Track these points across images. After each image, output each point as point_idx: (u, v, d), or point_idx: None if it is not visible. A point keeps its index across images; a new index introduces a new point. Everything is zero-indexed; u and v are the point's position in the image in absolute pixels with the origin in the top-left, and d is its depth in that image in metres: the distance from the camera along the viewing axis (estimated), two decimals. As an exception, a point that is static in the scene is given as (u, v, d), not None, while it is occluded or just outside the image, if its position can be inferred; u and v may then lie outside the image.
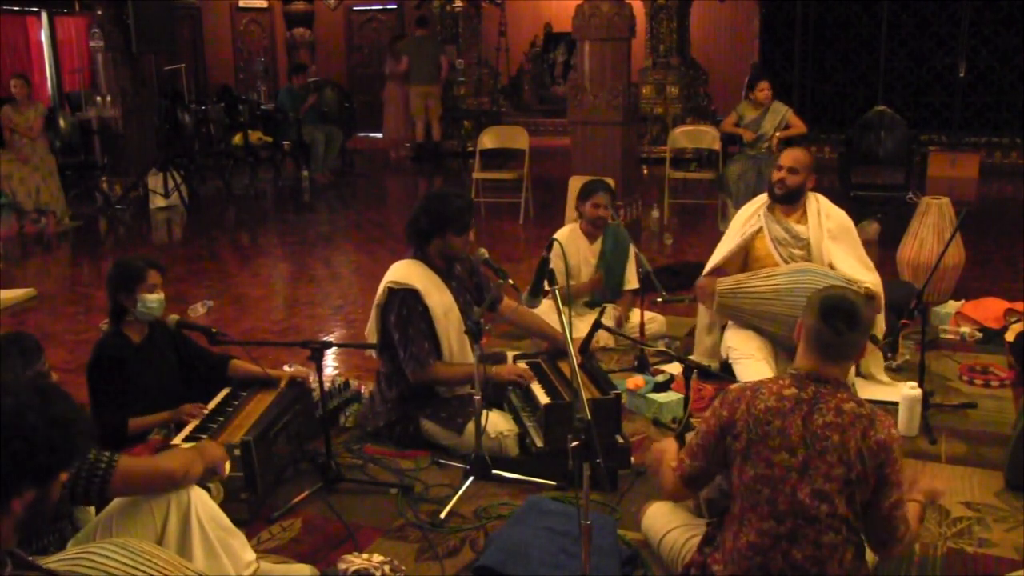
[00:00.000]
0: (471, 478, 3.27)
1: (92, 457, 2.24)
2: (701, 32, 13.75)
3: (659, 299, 4.68)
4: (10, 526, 1.60)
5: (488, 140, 8.86)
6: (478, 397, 3.24)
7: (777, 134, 7.24)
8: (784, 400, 2.28)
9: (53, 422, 1.62)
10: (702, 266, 4.49)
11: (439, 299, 3.61)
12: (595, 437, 2.20)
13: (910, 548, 2.71)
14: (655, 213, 8.07)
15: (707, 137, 8.51)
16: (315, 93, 11.44)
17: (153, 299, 3.34)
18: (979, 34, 11.21)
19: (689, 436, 2.58)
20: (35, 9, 12.41)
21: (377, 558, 2.76)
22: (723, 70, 13.44)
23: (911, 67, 11.62)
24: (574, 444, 2.19)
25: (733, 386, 2.43)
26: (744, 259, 4.36)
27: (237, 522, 2.67)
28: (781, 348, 4.08)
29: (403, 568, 2.79)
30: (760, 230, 4.31)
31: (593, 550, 2.33)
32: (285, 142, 11.18)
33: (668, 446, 2.69)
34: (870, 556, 2.41)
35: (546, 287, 3.00)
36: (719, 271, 4.33)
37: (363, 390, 4.11)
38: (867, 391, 3.98)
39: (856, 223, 4.45)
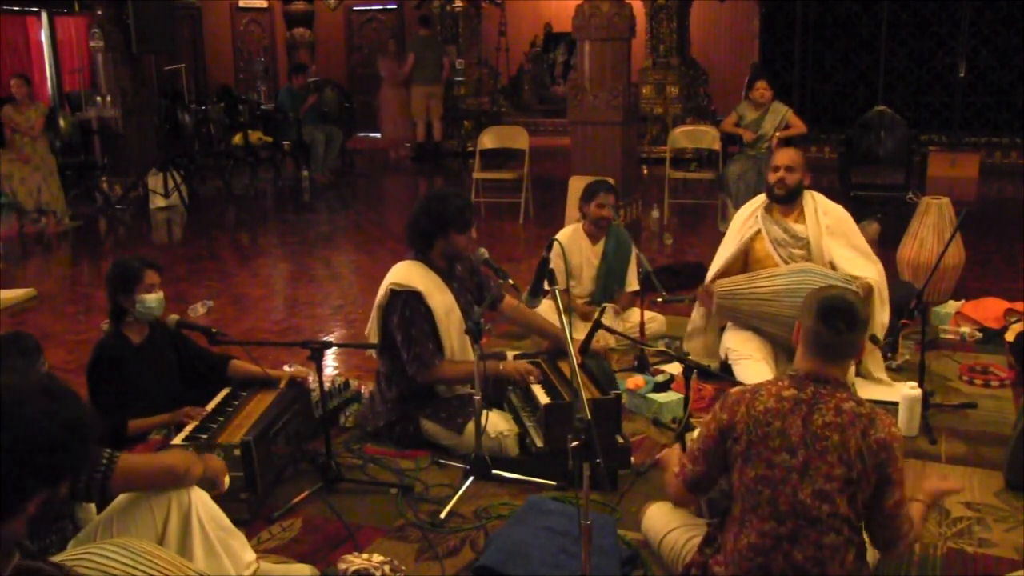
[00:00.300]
0: (471, 478, 3.27)
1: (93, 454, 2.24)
2: (701, 32, 13.75)
3: (659, 299, 4.68)
4: (22, 523, 1.62)
5: (488, 140, 8.86)
6: (478, 397, 3.24)
7: (777, 134, 7.24)
8: (783, 401, 2.28)
9: (65, 425, 1.62)
10: (702, 266, 4.50)
11: (441, 300, 3.61)
12: (595, 437, 2.20)
13: (911, 547, 2.71)
14: (655, 213, 8.07)
15: (707, 137, 8.51)
16: (315, 93, 11.44)
17: (152, 299, 3.34)
18: (979, 34, 11.21)
19: (690, 439, 2.58)
20: (35, 9, 12.40)
21: (377, 558, 2.76)
22: (723, 70, 13.45)
23: (911, 67, 11.62)
24: (574, 444, 2.19)
25: (733, 390, 2.43)
26: (744, 261, 4.36)
27: (237, 522, 2.67)
28: (780, 349, 4.08)
29: (403, 568, 2.79)
30: (759, 232, 4.31)
31: (593, 550, 2.33)
32: (285, 142, 11.18)
33: (673, 454, 2.70)
34: (871, 557, 2.41)
35: (546, 287, 3.00)
36: (721, 276, 4.32)
37: (363, 390, 4.11)
38: (867, 391, 3.97)
39: (856, 223, 4.45)
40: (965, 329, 4.93)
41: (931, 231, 5.38)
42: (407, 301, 3.56)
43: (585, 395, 2.53)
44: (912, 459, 3.43)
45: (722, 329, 4.39)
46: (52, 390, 1.70)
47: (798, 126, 7.38)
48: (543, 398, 3.49)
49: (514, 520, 2.89)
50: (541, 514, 2.86)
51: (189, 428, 3.22)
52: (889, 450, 2.22)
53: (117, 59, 9.94)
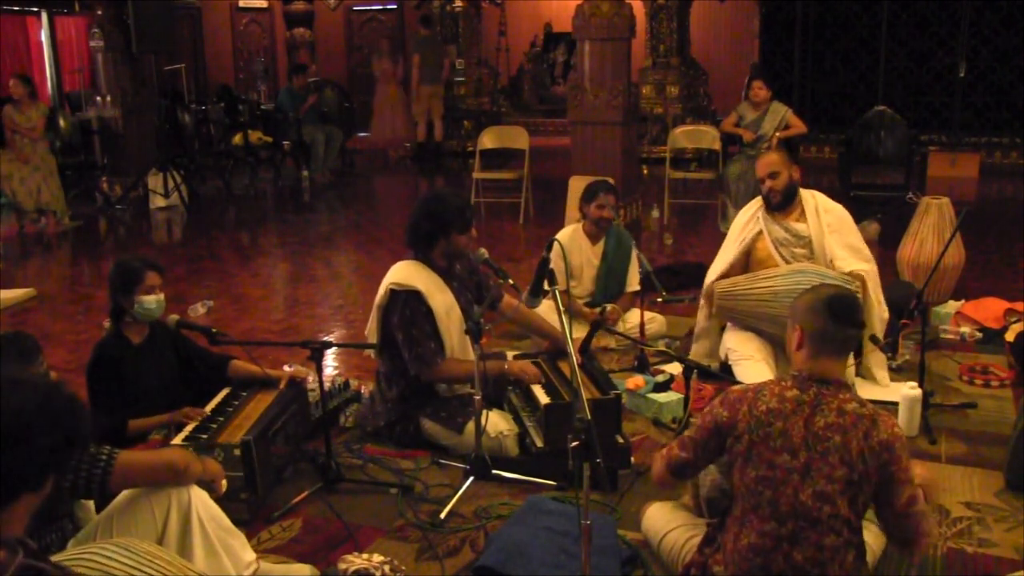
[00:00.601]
0: (471, 478, 3.27)
1: (92, 450, 2.24)
2: (701, 32, 13.76)
3: (659, 299, 4.68)
4: (21, 516, 1.63)
5: (488, 140, 8.86)
6: (478, 397, 3.24)
7: (777, 134, 7.24)
8: (786, 402, 2.28)
9: (51, 426, 1.63)
10: (702, 266, 4.49)
11: (441, 299, 3.61)
12: (595, 437, 2.20)
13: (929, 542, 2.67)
14: (655, 213, 8.06)
15: (707, 137, 8.51)
16: (315, 93, 11.44)
17: (151, 300, 3.34)
18: (979, 34, 11.21)
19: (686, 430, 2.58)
20: (35, 9, 12.40)
21: (377, 558, 2.76)
22: (723, 70, 13.45)
23: (911, 67, 11.62)
24: (574, 444, 2.19)
25: (734, 387, 2.43)
26: (746, 262, 4.36)
27: (237, 522, 2.67)
28: (780, 349, 4.08)
29: (403, 568, 2.79)
30: (760, 232, 4.31)
31: (593, 550, 2.32)
32: (285, 142, 11.19)
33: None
34: (870, 558, 2.41)
35: (546, 287, 3.00)
36: (724, 277, 4.32)
37: (363, 390, 4.11)
38: (867, 391, 3.97)
39: (856, 223, 4.45)
40: (965, 329, 4.93)
41: (931, 231, 5.38)
42: (407, 301, 3.56)
43: (585, 395, 2.53)
44: (912, 460, 3.43)
45: (722, 329, 4.39)
46: (44, 391, 1.70)
47: (798, 126, 7.38)
48: (543, 398, 3.49)
49: (514, 520, 2.89)
50: (541, 514, 2.86)
51: (189, 428, 3.22)
52: (892, 450, 2.22)
53: (117, 59, 9.95)
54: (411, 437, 3.66)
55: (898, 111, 8.44)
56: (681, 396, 3.84)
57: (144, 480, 2.40)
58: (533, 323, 4.06)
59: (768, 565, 2.24)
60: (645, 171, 10.94)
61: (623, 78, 7.56)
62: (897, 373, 4.38)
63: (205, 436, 3.15)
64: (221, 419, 3.30)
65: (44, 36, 12.54)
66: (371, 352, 3.83)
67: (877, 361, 4.19)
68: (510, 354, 4.07)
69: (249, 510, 3.08)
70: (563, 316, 2.70)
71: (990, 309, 5.07)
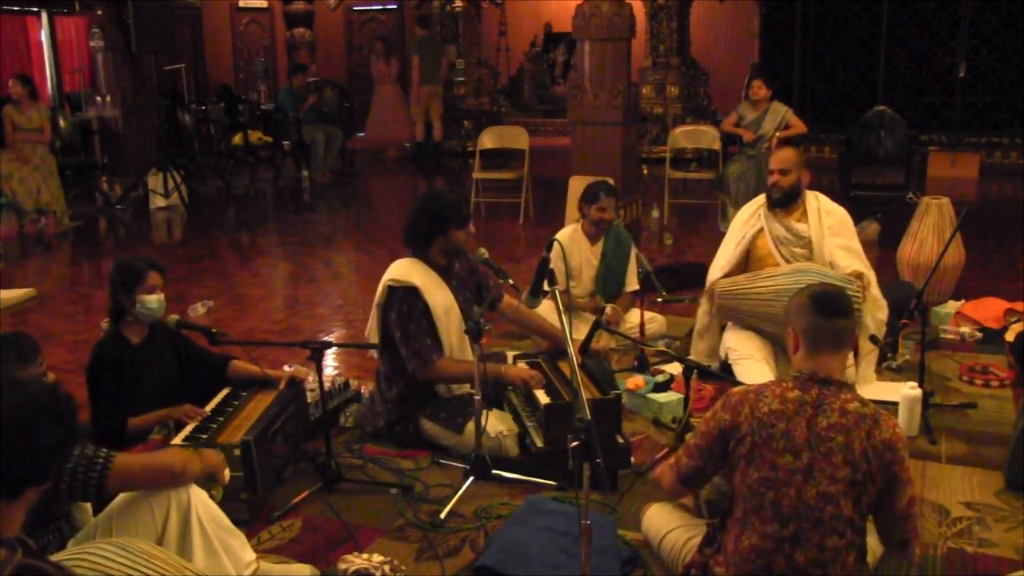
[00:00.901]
0: (471, 478, 3.27)
1: (89, 453, 2.24)
2: (701, 32, 13.76)
3: (659, 299, 4.67)
4: (20, 514, 1.65)
5: (488, 140, 8.87)
6: (478, 397, 3.24)
7: (777, 134, 7.24)
8: (788, 403, 2.28)
9: (32, 431, 1.66)
10: (702, 266, 4.49)
11: (440, 297, 3.61)
12: (595, 437, 2.20)
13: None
14: (655, 213, 8.06)
15: (707, 137, 8.51)
16: (315, 93, 11.44)
17: (152, 300, 3.34)
18: (979, 34, 11.21)
19: (689, 436, 2.58)
20: (35, 9, 12.40)
21: (377, 558, 2.76)
22: (723, 70, 13.45)
23: (911, 67, 11.62)
24: (574, 444, 2.19)
25: (735, 389, 2.42)
26: (746, 260, 4.36)
27: (237, 522, 2.67)
28: (781, 349, 4.08)
29: (403, 568, 2.79)
30: (761, 230, 4.31)
31: (593, 550, 2.32)
32: (285, 142, 11.19)
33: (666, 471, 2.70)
34: (871, 558, 2.41)
35: (546, 287, 3.00)
36: (724, 275, 4.32)
37: (363, 390, 4.11)
38: (867, 391, 3.97)
39: (856, 223, 4.45)
40: (965, 329, 4.93)
41: (931, 231, 5.38)
42: (404, 297, 3.56)
43: (585, 395, 2.53)
44: (912, 459, 3.43)
45: (722, 329, 4.39)
46: (44, 390, 1.74)
47: (798, 126, 7.38)
48: (543, 398, 3.49)
49: (514, 520, 2.89)
50: (541, 514, 2.86)
51: (189, 428, 3.22)
52: (894, 451, 2.22)
53: (117, 59, 9.95)
54: (411, 437, 3.66)
55: (898, 111, 8.44)
56: (681, 396, 3.84)
57: (141, 483, 2.40)
58: (533, 323, 4.06)
59: (769, 566, 2.24)
60: (645, 171, 10.94)
61: (623, 78, 7.55)
62: (897, 373, 4.38)
63: (205, 436, 3.15)
64: (221, 419, 3.30)
65: (44, 36, 12.53)
66: (373, 352, 3.83)
67: (867, 364, 4.18)
68: (510, 354, 4.07)
69: (249, 510, 3.07)
70: (563, 316, 2.70)
71: (990, 309, 5.07)
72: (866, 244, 4.44)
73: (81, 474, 2.21)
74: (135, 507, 2.39)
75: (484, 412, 3.30)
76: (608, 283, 4.93)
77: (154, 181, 9.41)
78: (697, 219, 8.49)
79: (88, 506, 2.58)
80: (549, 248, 3.06)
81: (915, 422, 3.70)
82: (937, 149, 10.67)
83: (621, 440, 3.44)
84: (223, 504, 2.61)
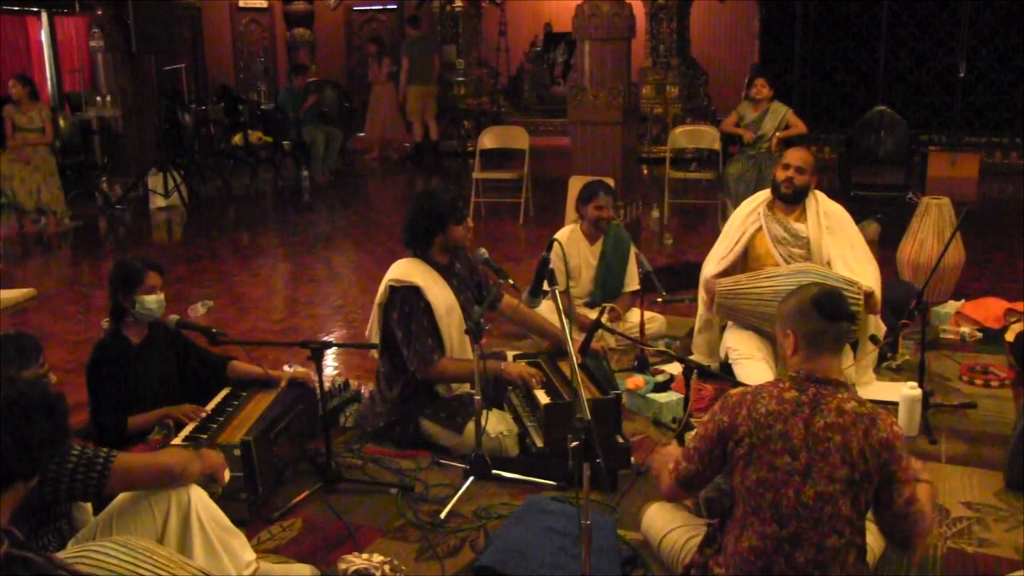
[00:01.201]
0: (471, 478, 3.27)
1: (90, 452, 2.24)
2: (701, 32, 13.76)
3: (659, 299, 4.68)
4: (7, 507, 1.69)
5: (488, 140, 8.87)
6: (478, 397, 3.24)
7: (777, 134, 7.24)
8: (785, 403, 2.28)
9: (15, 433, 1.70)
10: (702, 266, 4.48)
11: (441, 296, 3.61)
12: (595, 437, 2.20)
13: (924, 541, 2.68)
14: (655, 213, 8.07)
15: (707, 137, 8.51)
16: (315, 93, 11.44)
17: (151, 301, 3.34)
18: (979, 34, 11.21)
19: (689, 437, 2.58)
20: (35, 9, 12.39)
21: (377, 558, 2.76)
22: (723, 70, 13.45)
23: (911, 67, 11.62)
24: (574, 444, 2.19)
25: (733, 391, 2.42)
26: (743, 258, 4.36)
27: (237, 522, 2.67)
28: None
29: (403, 568, 2.79)
30: (760, 228, 4.32)
31: (593, 550, 2.33)
32: (285, 142, 11.18)
33: (672, 451, 2.70)
34: (871, 558, 2.41)
35: (546, 287, 3.00)
36: (722, 272, 4.32)
37: (363, 390, 4.11)
38: (867, 391, 3.98)
39: (856, 223, 4.45)
40: (965, 329, 4.93)
41: (931, 231, 5.38)
42: (406, 297, 3.56)
43: (585, 395, 2.53)
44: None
45: (723, 328, 4.39)
46: (36, 387, 1.79)
47: (798, 126, 7.38)
48: (543, 398, 3.49)
49: (514, 520, 2.89)
50: (541, 514, 2.86)
51: (189, 428, 3.23)
52: (892, 449, 2.22)
53: (117, 59, 9.95)
54: (411, 437, 3.66)
55: (898, 111, 8.44)
56: (681, 396, 3.84)
57: (142, 483, 2.40)
58: (533, 323, 4.06)
59: (769, 567, 2.24)
60: (645, 171, 10.95)
61: (623, 78, 7.55)
62: (897, 373, 4.38)
63: (205, 436, 3.16)
64: (221, 419, 3.30)
65: (44, 36, 12.52)
66: (373, 352, 3.84)
67: (867, 360, 4.18)
68: (510, 354, 4.07)
69: (249, 510, 3.08)
70: (563, 316, 2.70)
71: (990, 309, 5.07)
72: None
73: (81, 473, 2.21)
74: (135, 507, 2.39)
75: (484, 412, 3.30)
76: (607, 283, 4.93)
77: (154, 181, 9.41)
78: (697, 219, 8.49)
79: (88, 506, 2.58)
80: (549, 248, 3.07)
81: (915, 422, 3.70)
82: (937, 149, 10.67)
83: (621, 440, 3.45)
84: (223, 504, 2.61)
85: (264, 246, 8.14)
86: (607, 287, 4.93)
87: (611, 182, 5.33)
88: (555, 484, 3.28)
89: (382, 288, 3.66)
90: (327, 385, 3.67)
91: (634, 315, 4.78)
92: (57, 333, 5.39)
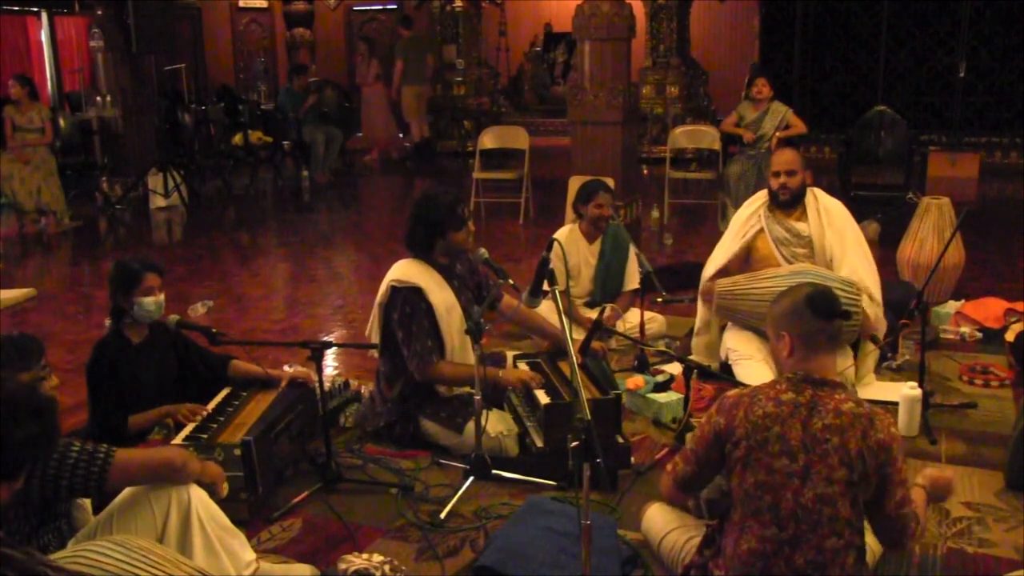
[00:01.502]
0: (471, 478, 3.27)
1: (90, 448, 2.25)
2: (701, 32, 13.77)
3: (659, 299, 4.67)
4: None
5: (488, 140, 8.87)
6: (478, 397, 3.24)
7: (777, 134, 7.24)
8: (782, 405, 2.27)
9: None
10: (702, 266, 4.49)
11: (442, 297, 3.61)
12: (595, 437, 2.20)
13: (913, 545, 2.70)
14: (655, 213, 8.07)
15: (707, 137, 8.51)
16: (315, 93, 11.45)
17: (150, 301, 3.34)
18: (979, 34, 11.21)
19: (689, 437, 2.58)
20: (35, 9, 12.40)
21: (377, 558, 2.76)
22: (723, 70, 13.46)
23: (911, 67, 11.62)
24: (574, 444, 2.19)
25: (730, 392, 2.41)
26: (746, 259, 4.36)
27: (237, 522, 2.67)
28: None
29: (403, 568, 2.79)
30: (761, 230, 4.31)
31: (593, 550, 2.32)
32: (285, 142, 11.18)
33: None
34: (870, 558, 2.41)
35: (546, 287, 3.00)
36: (722, 273, 4.32)
37: (363, 390, 4.11)
38: (867, 391, 3.98)
39: (856, 223, 4.45)
40: (965, 329, 4.93)
41: (931, 231, 5.38)
42: (407, 297, 3.56)
43: (585, 395, 2.53)
44: (912, 459, 3.43)
45: (722, 329, 4.39)
46: (23, 387, 1.81)
47: (798, 126, 7.38)
48: (543, 398, 3.49)
49: (514, 520, 2.89)
50: (541, 514, 2.86)
51: (189, 428, 3.22)
52: (888, 451, 2.22)
53: (117, 59, 9.94)
54: (411, 437, 3.66)
55: (898, 111, 8.44)
56: (681, 396, 3.84)
57: (142, 477, 2.40)
58: (533, 323, 4.06)
59: (769, 569, 2.23)
60: (645, 171, 10.95)
61: (623, 78, 7.56)
62: (897, 373, 4.38)
63: (205, 436, 3.16)
64: (221, 419, 3.30)
65: (44, 36, 12.53)
66: (373, 352, 3.84)
67: (867, 360, 4.18)
68: (510, 354, 4.07)
69: (249, 510, 3.08)
70: (563, 316, 2.70)
71: (990, 309, 5.07)
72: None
73: (82, 469, 2.22)
74: (136, 506, 2.40)
75: (484, 412, 3.30)
76: (607, 283, 4.93)
77: (154, 181, 9.41)
78: (697, 219, 8.49)
79: (88, 506, 2.58)
80: (549, 248, 3.07)
81: (915, 422, 3.70)
82: (937, 149, 10.67)
83: (621, 440, 3.45)
84: (223, 504, 2.61)
85: (264, 246, 8.14)
86: (607, 286, 4.93)
87: (611, 182, 5.33)
88: (555, 484, 3.28)
89: (383, 288, 3.66)
90: (327, 385, 3.67)
91: (634, 315, 4.78)
92: (57, 333, 5.39)
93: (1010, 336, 4.45)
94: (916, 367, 3.97)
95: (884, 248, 6.12)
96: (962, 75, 11.29)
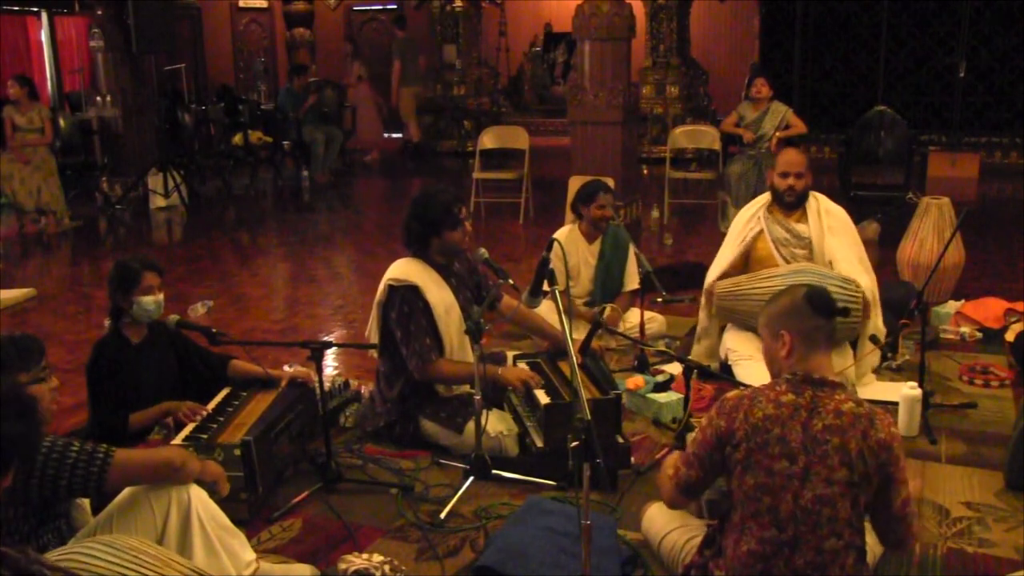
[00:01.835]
0: (471, 478, 3.27)
1: (89, 448, 2.25)
2: (701, 32, 13.77)
3: (659, 299, 4.67)
4: None
5: (488, 140, 8.87)
6: (478, 397, 3.23)
7: (777, 134, 7.25)
8: (782, 407, 2.26)
9: None
10: (702, 266, 4.49)
11: (440, 296, 3.61)
12: (595, 437, 2.19)
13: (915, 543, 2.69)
14: (655, 213, 8.07)
15: (707, 137, 8.51)
16: (315, 93, 11.46)
17: (149, 301, 3.34)
18: (979, 34, 11.21)
19: (690, 439, 2.57)
20: (35, 9, 12.40)
21: (377, 558, 2.76)
22: (723, 70, 13.46)
23: (911, 67, 11.62)
24: (574, 444, 2.19)
25: (729, 394, 2.41)
26: (746, 261, 4.36)
27: (237, 522, 2.67)
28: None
29: (403, 568, 2.79)
30: (761, 232, 4.32)
31: (593, 550, 2.32)
32: (285, 142, 11.18)
33: (673, 459, 2.70)
34: (871, 559, 2.41)
35: (546, 287, 2.99)
36: (725, 277, 4.32)
37: (363, 390, 4.11)
38: (867, 391, 3.98)
39: (856, 223, 4.46)
40: (965, 329, 4.93)
41: (931, 231, 5.39)
42: (405, 296, 3.56)
43: (585, 395, 2.53)
44: (912, 459, 3.43)
45: (723, 329, 4.39)
46: (10, 386, 1.83)
47: (798, 126, 7.38)
48: (543, 398, 3.49)
49: (514, 520, 2.89)
50: (541, 514, 2.86)
51: (189, 428, 3.22)
52: (890, 450, 2.22)
53: (117, 59, 9.94)
54: (411, 437, 3.66)
55: (898, 111, 8.44)
56: (681, 396, 3.84)
57: (141, 477, 2.40)
58: (533, 323, 4.06)
59: (769, 571, 2.23)
60: (645, 171, 10.95)
61: (623, 78, 7.56)
62: (897, 373, 4.38)
63: (205, 436, 3.15)
64: (221, 419, 3.30)
65: (44, 36, 12.53)
66: (373, 352, 3.84)
67: (867, 360, 4.18)
68: (510, 354, 4.07)
69: (249, 510, 3.07)
70: (563, 316, 2.70)
71: (990, 309, 5.07)
72: (866, 244, 4.43)
73: (82, 468, 2.22)
74: (135, 506, 2.39)
75: (484, 412, 3.30)
76: (607, 283, 4.93)
77: (154, 181, 9.41)
78: (697, 219, 8.49)
79: (87, 506, 2.58)
80: (549, 248, 3.07)
81: (915, 422, 3.70)
82: (937, 149, 10.67)
83: (621, 440, 3.44)
84: (223, 504, 2.61)
85: (264, 246, 8.14)
86: (606, 287, 4.92)
87: (611, 182, 5.33)
88: (555, 484, 3.28)
89: (381, 287, 3.66)
90: (327, 385, 3.67)
91: (634, 315, 4.78)
92: (57, 333, 5.39)
93: (1010, 336, 4.45)
94: (916, 367, 3.97)
95: (884, 248, 6.11)
96: (962, 75, 11.29)
